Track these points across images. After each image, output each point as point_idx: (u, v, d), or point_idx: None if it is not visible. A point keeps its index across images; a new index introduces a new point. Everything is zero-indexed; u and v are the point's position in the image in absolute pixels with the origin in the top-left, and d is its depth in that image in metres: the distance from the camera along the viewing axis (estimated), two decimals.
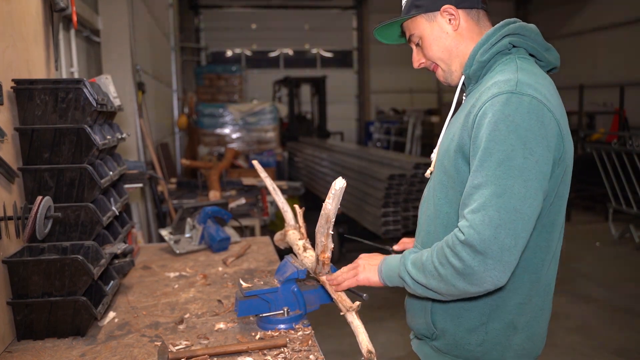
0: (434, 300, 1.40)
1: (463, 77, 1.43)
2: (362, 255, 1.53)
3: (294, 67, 15.02)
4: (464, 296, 1.26)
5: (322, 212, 1.39)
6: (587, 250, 6.57)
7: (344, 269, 1.55)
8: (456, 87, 1.50)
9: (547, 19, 13.54)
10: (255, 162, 2.11)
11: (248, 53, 15.11)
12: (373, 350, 1.37)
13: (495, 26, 1.38)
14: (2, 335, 1.58)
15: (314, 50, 15.43)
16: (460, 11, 1.40)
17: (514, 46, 1.35)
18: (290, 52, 15.35)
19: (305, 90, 12.87)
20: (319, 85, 11.40)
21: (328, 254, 1.53)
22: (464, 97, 1.45)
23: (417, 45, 1.48)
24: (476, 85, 1.38)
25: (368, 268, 1.47)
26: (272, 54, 15.27)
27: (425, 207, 1.49)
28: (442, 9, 1.40)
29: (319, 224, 1.43)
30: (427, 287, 1.29)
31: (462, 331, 1.37)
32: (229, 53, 15.08)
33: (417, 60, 1.50)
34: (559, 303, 4.83)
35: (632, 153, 6.53)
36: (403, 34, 1.54)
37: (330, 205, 1.35)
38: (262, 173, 2.08)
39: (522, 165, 1.16)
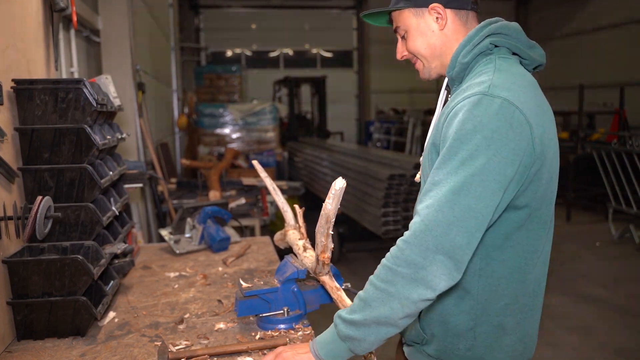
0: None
1: (447, 80, 1.42)
2: (283, 348, 1.35)
3: (294, 67, 15.03)
4: (422, 307, 1.18)
5: (322, 212, 1.39)
6: (587, 250, 6.56)
7: None
8: (434, 80, 1.52)
9: (547, 18, 13.54)
10: (255, 162, 2.11)
11: (248, 53, 15.12)
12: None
13: (477, 27, 1.36)
14: (2, 335, 1.58)
15: (314, 50, 15.44)
16: (448, 11, 1.38)
17: (495, 46, 1.33)
18: (290, 52, 15.36)
19: (305, 90, 12.87)
20: (319, 85, 11.40)
21: (328, 254, 1.53)
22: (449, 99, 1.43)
23: (403, 37, 1.47)
24: (459, 87, 1.37)
25: (298, 359, 1.30)
26: (272, 54, 15.28)
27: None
28: (430, 6, 1.38)
29: (319, 224, 1.43)
30: (378, 321, 1.18)
31: (450, 336, 1.35)
32: (229, 53, 15.09)
33: (401, 52, 1.49)
34: (559, 303, 4.82)
35: (632, 153, 6.53)
36: (391, 21, 1.53)
37: (330, 205, 1.35)
38: (262, 173, 2.08)
39: (484, 165, 1.15)
